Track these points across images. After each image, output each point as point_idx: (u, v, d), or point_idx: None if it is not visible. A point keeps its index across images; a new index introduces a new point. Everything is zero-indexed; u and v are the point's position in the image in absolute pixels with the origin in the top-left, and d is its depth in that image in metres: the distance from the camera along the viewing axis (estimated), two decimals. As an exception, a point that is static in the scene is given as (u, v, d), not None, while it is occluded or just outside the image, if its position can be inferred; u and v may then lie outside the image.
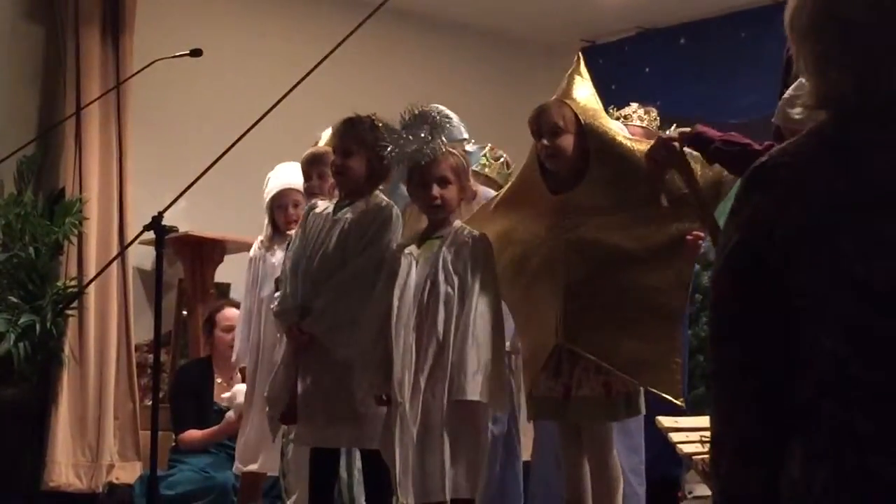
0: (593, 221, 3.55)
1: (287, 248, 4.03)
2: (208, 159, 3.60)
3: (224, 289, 6.38)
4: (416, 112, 3.62)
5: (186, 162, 4.59)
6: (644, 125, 4.83)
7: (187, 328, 6.27)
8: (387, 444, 3.45)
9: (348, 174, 3.73)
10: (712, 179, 3.54)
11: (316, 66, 3.54)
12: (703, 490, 5.10)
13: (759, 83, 5.62)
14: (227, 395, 5.08)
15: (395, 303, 3.50)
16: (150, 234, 3.64)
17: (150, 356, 5.83)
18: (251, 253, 4.62)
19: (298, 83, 3.54)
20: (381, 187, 3.82)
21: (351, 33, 3.57)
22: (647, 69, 7.42)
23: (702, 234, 3.57)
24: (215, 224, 6.17)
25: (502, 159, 4.79)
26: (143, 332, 6.23)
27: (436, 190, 3.57)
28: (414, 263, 3.56)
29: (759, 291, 1.62)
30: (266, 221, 4.57)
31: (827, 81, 1.63)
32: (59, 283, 5.84)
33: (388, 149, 3.57)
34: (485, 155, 4.73)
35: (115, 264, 5.86)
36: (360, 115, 3.76)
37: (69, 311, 5.79)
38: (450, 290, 3.49)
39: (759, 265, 1.62)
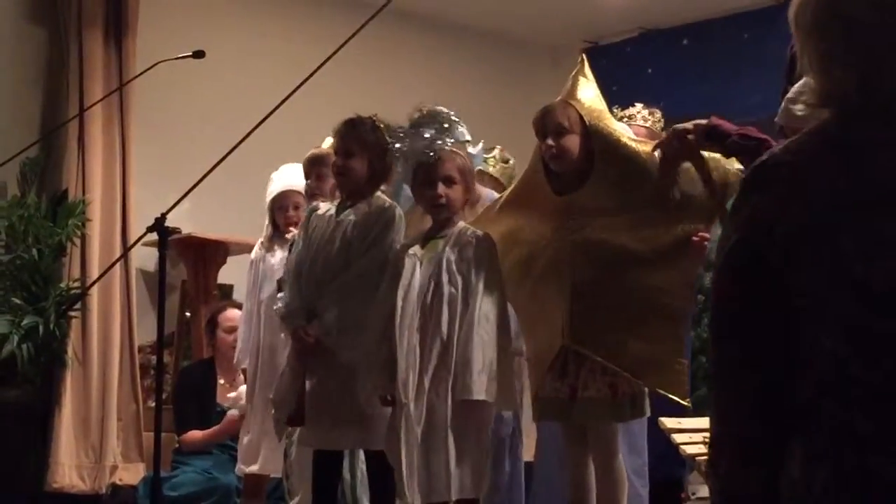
0: (598, 222, 3.54)
1: (289, 250, 4.03)
2: (211, 160, 3.59)
3: (227, 290, 6.38)
4: (426, 111, 3.62)
5: (189, 163, 4.59)
6: (648, 126, 4.83)
7: (190, 329, 6.27)
8: (391, 445, 3.44)
9: (350, 175, 3.73)
10: (719, 181, 3.52)
11: (319, 68, 3.54)
12: (707, 491, 5.09)
13: (762, 84, 5.60)
14: (233, 394, 5.09)
15: (399, 303, 3.49)
16: (154, 236, 3.65)
17: (153, 357, 5.85)
18: (252, 255, 4.62)
19: (301, 84, 3.54)
20: (382, 188, 3.82)
21: (354, 34, 3.58)
22: (649, 70, 7.41)
23: (707, 236, 3.56)
24: (218, 225, 6.18)
25: (511, 162, 4.78)
26: (146, 333, 6.23)
27: (441, 189, 3.55)
28: (418, 264, 3.55)
29: (760, 290, 1.62)
30: (267, 222, 4.57)
31: (830, 79, 1.63)
32: (63, 285, 5.85)
33: (397, 146, 3.57)
34: (493, 156, 4.73)
35: (118, 266, 5.87)
36: (361, 116, 3.76)
37: (72, 313, 5.79)
38: (453, 290, 3.48)
39: (759, 264, 1.61)
